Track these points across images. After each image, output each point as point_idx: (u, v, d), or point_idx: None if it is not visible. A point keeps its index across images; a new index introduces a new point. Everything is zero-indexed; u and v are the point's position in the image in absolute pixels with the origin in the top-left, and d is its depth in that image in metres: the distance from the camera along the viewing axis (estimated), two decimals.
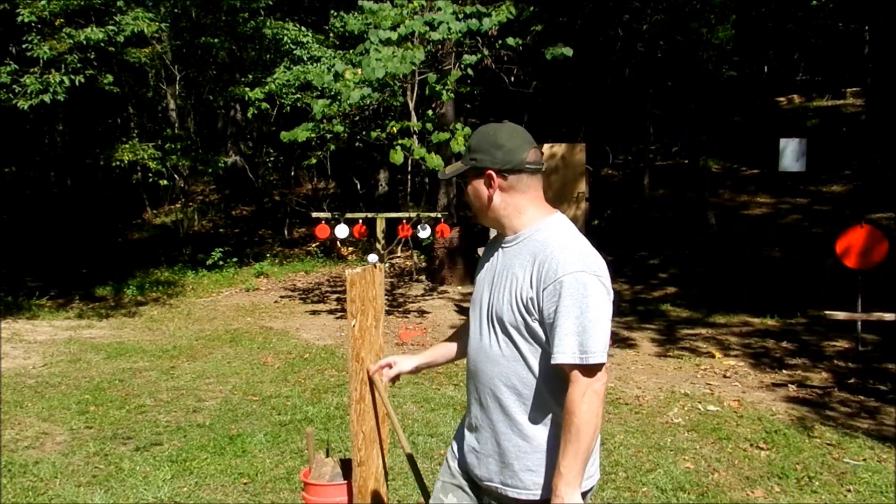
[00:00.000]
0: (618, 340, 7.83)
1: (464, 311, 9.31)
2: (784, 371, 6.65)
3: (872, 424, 5.20)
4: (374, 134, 9.26)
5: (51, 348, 7.96)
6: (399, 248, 11.40)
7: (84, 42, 9.51)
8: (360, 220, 9.08)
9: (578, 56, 10.75)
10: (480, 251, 2.29)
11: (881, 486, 4.16)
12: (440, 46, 9.62)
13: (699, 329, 8.39)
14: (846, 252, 6.71)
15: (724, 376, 6.50)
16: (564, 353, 1.84)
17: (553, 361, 1.87)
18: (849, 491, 4.11)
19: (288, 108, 11.96)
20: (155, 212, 17.63)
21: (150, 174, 12.23)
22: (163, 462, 4.59)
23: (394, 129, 8.69)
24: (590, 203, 10.61)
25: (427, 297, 10.67)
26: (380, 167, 15.87)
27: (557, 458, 1.87)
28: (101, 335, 8.71)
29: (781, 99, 18.58)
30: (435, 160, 7.97)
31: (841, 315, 6.56)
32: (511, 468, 1.98)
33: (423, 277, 11.88)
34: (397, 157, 8.09)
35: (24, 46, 9.67)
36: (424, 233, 8.85)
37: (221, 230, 16.50)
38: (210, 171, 13.61)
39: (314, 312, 9.91)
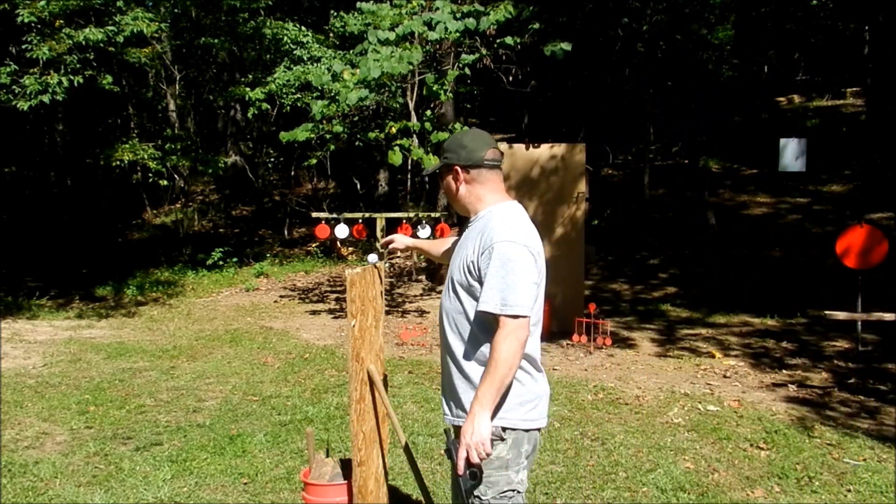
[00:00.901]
0: (618, 340, 7.83)
1: None
2: (784, 371, 6.65)
3: (872, 424, 5.20)
4: (372, 134, 9.25)
5: (51, 348, 7.96)
6: None
7: (83, 42, 9.51)
8: (360, 220, 9.09)
9: (578, 56, 10.76)
10: None
11: (881, 486, 4.16)
12: (438, 46, 9.62)
13: (699, 329, 8.40)
14: (846, 252, 6.71)
15: (724, 376, 6.50)
16: (487, 304, 2.23)
17: (478, 309, 2.26)
18: (849, 491, 4.11)
19: (288, 108, 11.97)
20: (155, 212, 17.63)
21: (150, 174, 12.23)
22: (163, 462, 4.59)
23: (392, 129, 8.68)
24: (590, 203, 10.61)
25: (426, 297, 10.68)
26: (380, 167, 15.87)
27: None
28: (101, 335, 8.72)
29: (781, 99, 18.58)
30: (432, 161, 7.96)
31: (841, 315, 6.56)
32: (458, 401, 2.37)
33: (422, 277, 11.89)
34: (396, 157, 8.09)
35: (23, 47, 9.67)
36: (424, 233, 8.86)
37: (221, 230, 16.50)
38: (210, 171, 13.61)
39: (314, 312, 9.91)
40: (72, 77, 9.49)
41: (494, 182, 2.46)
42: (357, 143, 10.54)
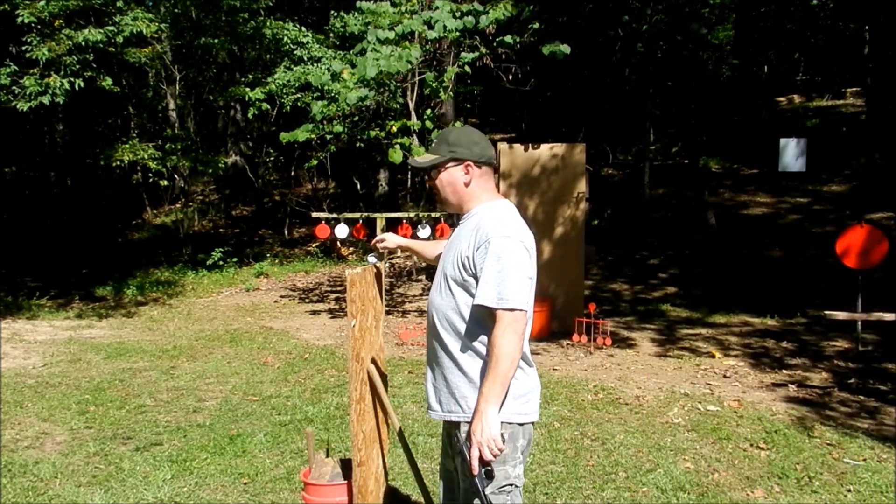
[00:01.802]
0: (618, 340, 7.83)
1: None
2: (784, 371, 6.65)
3: (872, 424, 5.20)
4: (372, 133, 9.25)
5: (51, 348, 7.96)
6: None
7: (83, 43, 9.51)
8: (360, 220, 9.09)
9: (578, 55, 10.73)
10: None
11: (881, 486, 4.16)
12: (438, 45, 9.62)
13: (699, 329, 8.39)
14: (846, 252, 6.71)
15: (724, 376, 6.50)
16: (484, 298, 2.25)
17: (475, 303, 2.28)
18: (849, 491, 4.11)
19: (288, 108, 11.97)
20: (155, 212, 17.63)
21: (150, 174, 12.23)
22: (163, 462, 4.59)
23: (393, 127, 8.69)
24: (590, 203, 10.61)
25: (426, 297, 10.66)
26: (380, 167, 15.86)
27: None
28: (101, 335, 8.72)
29: (781, 99, 18.58)
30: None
31: (841, 315, 6.56)
32: (452, 396, 2.38)
33: (422, 277, 11.89)
34: (396, 156, 8.09)
35: (23, 48, 9.67)
36: (424, 233, 8.86)
37: (221, 230, 16.50)
38: (210, 171, 13.61)
39: (314, 312, 9.91)
40: (72, 79, 9.49)
41: (492, 181, 2.52)
42: (357, 144, 10.54)
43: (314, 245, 14.65)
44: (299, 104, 11.53)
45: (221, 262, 13.20)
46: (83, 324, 9.49)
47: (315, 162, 10.61)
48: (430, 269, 11.95)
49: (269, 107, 12.05)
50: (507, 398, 2.29)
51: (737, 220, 13.05)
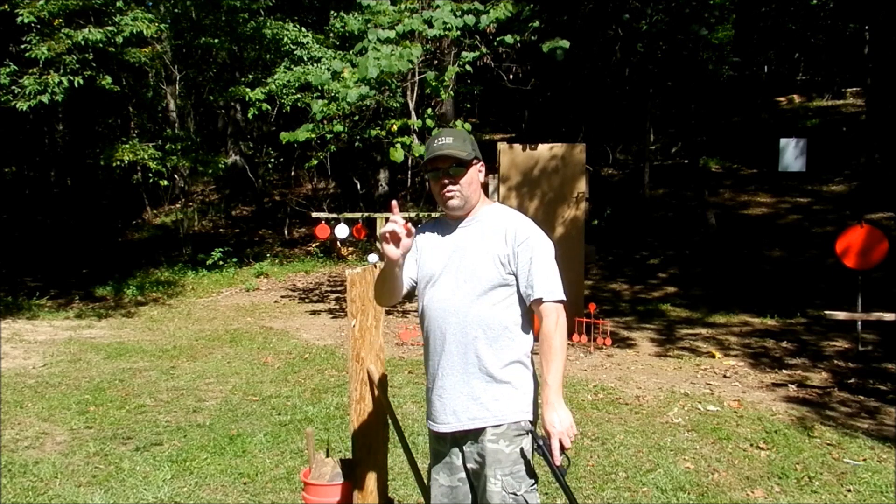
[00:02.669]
0: (618, 340, 7.83)
1: None
2: (784, 371, 6.65)
3: (872, 424, 5.20)
4: (373, 132, 9.25)
5: (51, 348, 7.96)
6: None
7: (83, 43, 9.51)
8: (360, 220, 9.09)
9: (578, 55, 10.74)
10: (421, 237, 2.53)
11: (881, 486, 4.16)
12: (438, 45, 9.62)
13: (699, 329, 8.39)
14: (846, 252, 6.71)
15: (724, 376, 6.50)
16: (542, 291, 2.30)
17: (535, 297, 2.30)
18: (849, 491, 4.11)
19: (288, 108, 11.97)
20: (155, 212, 17.63)
21: (150, 174, 12.23)
22: (163, 462, 4.59)
23: (394, 126, 8.69)
24: (590, 203, 10.60)
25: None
26: (380, 167, 15.87)
27: (521, 386, 2.34)
28: (101, 335, 8.71)
29: (781, 99, 18.57)
30: None
31: (841, 315, 6.56)
32: (478, 401, 2.33)
33: None
34: (397, 154, 8.09)
35: (23, 47, 9.66)
36: None
37: (221, 230, 16.50)
38: (210, 171, 13.61)
39: (314, 312, 9.90)
40: (71, 77, 9.49)
41: None
42: (357, 144, 10.55)
43: (314, 245, 14.66)
44: (299, 104, 11.54)
45: (221, 262, 13.20)
46: (83, 324, 9.49)
47: (315, 162, 10.62)
48: None
49: (269, 107, 12.05)
50: (533, 398, 2.38)
51: (737, 219, 13.05)
